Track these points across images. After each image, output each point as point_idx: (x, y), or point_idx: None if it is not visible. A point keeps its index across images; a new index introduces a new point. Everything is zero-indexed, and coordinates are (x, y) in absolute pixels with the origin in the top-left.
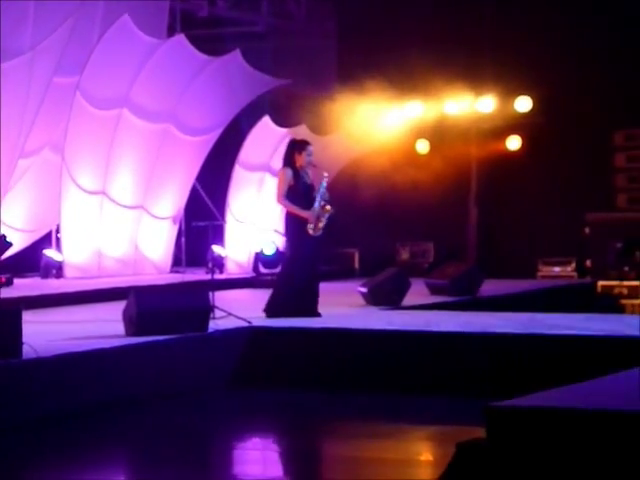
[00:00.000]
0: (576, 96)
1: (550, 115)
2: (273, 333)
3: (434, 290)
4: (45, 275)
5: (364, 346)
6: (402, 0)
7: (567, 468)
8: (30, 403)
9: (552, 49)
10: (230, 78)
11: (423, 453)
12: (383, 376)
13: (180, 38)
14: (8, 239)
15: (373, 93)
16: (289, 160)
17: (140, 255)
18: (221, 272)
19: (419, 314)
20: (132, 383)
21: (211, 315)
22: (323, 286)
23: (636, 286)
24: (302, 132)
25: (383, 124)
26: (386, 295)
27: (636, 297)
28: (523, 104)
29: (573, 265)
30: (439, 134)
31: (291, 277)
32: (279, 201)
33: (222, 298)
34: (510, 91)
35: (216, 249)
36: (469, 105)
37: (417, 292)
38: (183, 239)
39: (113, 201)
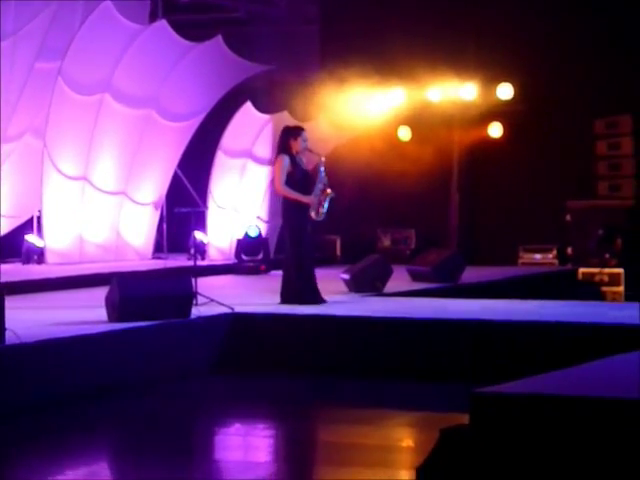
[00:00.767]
0: (557, 84)
1: (532, 102)
2: (255, 319)
3: (416, 277)
4: (26, 261)
5: (347, 333)
6: None
7: (550, 455)
8: (13, 389)
9: (534, 37)
10: (212, 64)
11: (406, 439)
12: (366, 362)
13: (162, 24)
14: None
15: (355, 80)
16: (285, 147)
17: (122, 241)
18: (203, 258)
19: (401, 301)
20: (115, 369)
21: (193, 301)
22: None
23: (617, 273)
24: (284, 118)
25: (365, 111)
26: (368, 282)
27: (617, 284)
28: (505, 91)
29: (554, 252)
30: (421, 121)
31: (299, 262)
32: (279, 189)
33: (204, 284)
34: (492, 78)
35: (198, 235)
36: (451, 92)
37: (399, 279)
38: (165, 225)
39: (95, 187)
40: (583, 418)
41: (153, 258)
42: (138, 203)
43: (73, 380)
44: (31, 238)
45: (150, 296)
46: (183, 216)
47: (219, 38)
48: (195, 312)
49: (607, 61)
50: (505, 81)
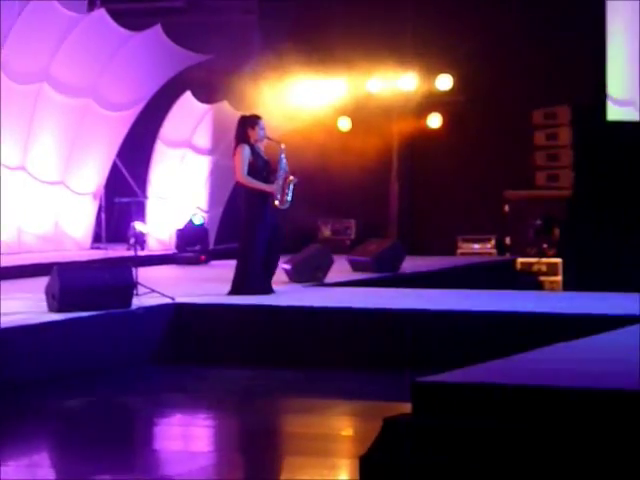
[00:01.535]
0: (496, 75)
1: (471, 93)
2: (196, 309)
3: (356, 267)
4: None
5: (288, 322)
6: None
7: (491, 443)
8: None
9: (473, 28)
10: (151, 53)
11: (349, 428)
12: (307, 352)
13: (101, 13)
14: None
15: (295, 70)
16: (243, 137)
17: (60, 231)
18: (142, 249)
19: (342, 291)
20: (55, 360)
21: (134, 291)
22: None
23: (555, 263)
24: (224, 108)
25: (305, 101)
26: (309, 272)
27: (555, 274)
28: (444, 82)
29: (492, 242)
30: (361, 111)
31: (253, 252)
32: (240, 179)
33: (144, 275)
34: (431, 69)
35: (137, 225)
36: (391, 83)
37: (340, 269)
38: (103, 215)
39: (33, 177)
40: (523, 406)
41: (92, 248)
42: (77, 193)
43: (12, 371)
44: None
45: (91, 286)
46: (122, 206)
47: (158, 27)
48: (136, 302)
49: (545, 52)
50: (444, 72)
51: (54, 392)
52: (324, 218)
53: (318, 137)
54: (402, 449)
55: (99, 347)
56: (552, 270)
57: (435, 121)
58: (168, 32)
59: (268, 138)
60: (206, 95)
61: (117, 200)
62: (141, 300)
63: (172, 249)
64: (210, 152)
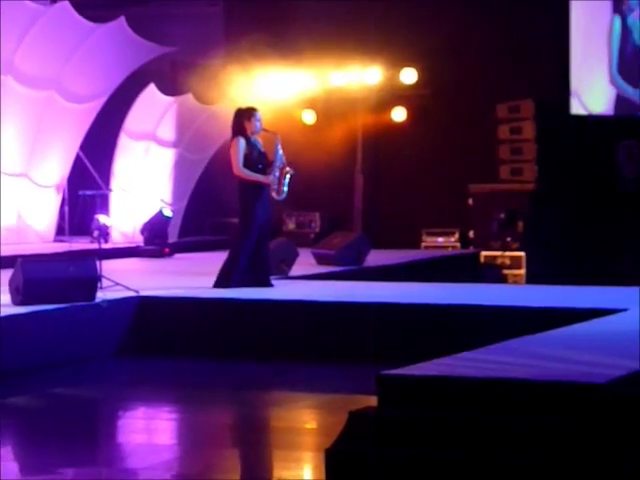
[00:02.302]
0: (461, 68)
1: (435, 87)
2: (161, 302)
3: (321, 260)
4: None
5: (253, 315)
6: None
7: (456, 435)
8: None
9: (436, 21)
10: (115, 45)
11: (315, 421)
12: (273, 345)
13: (64, 4)
14: None
15: (260, 62)
16: (239, 129)
17: (23, 224)
18: (106, 241)
19: (307, 284)
20: (19, 353)
21: (98, 285)
22: (209, 256)
23: (518, 256)
24: (188, 101)
25: (270, 94)
26: (274, 265)
27: (518, 267)
28: (408, 76)
29: (456, 236)
30: (326, 105)
31: (247, 245)
32: (237, 172)
33: (108, 268)
34: (396, 63)
35: (101, 218)
36: (355, 76)
37: (304, 262)
38: (66, 208)
39: None
40: (487, 398)
41: (55, 241)
42: (40, 185)
43: None
44: None
45: (55, 279)
46: (86, 199)
47: (122, 19)
48: (100, 295)
49: (510, 46)
50: (409, 66)
51: (18, 386)
52: (288, 211)
53: (283, 130)
54: (368, 442)
55: (63, 340)
56: (515, 263)
57: (399, 115)
58: (132, 24)
59: (264, 130)
60: (170, 87)
61: (81, 193)
62: (105, 293)
63: (135, 242)
64: (174, 145)
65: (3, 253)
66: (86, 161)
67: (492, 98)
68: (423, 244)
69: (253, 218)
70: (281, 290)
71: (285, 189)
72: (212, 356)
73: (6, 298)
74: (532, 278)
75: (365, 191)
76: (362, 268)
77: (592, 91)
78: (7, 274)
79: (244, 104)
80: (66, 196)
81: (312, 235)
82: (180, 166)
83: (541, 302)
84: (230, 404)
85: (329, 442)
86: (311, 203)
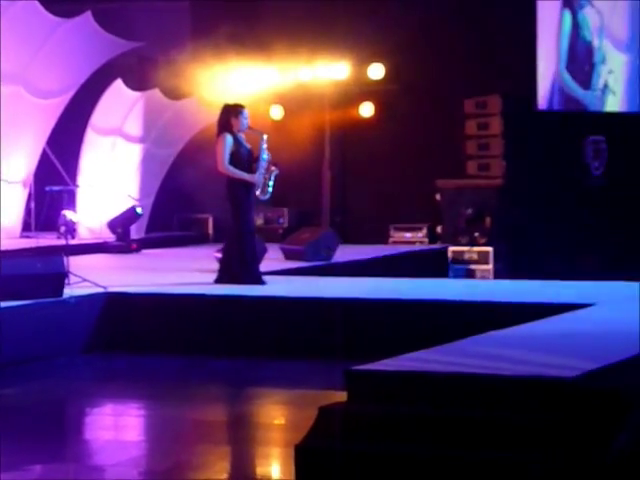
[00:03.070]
0: (428, 64)
1: (403, 82)
2: (129, 298)
3: (289, 256)
4: None
5: (221, 311)
6: None
7: (424, 430)
8: None
9: (404, 16)
10: (81, 40)
11: (284, 417)
12: (241, 341)
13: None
14: None
15: (227, 57)
16: (226, 126)
17: None
18: (73, 237)
19: (275, 279)
20: None
21: (66, 281)
22: (177, 252)
23: (486, 252)
24: (155, 96)
25: (237, 89)
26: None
27: (486, 262)
28: (376, 71)
29: (424, 231)
30: (293, 100)
31: (242, 243)
32: (222, 169)
33: (75, 263)
34: (363, 58)
35: (68, 214)
36: (323, 72)
37: (272, 258)
38: (33, 204)
39: None
40: (455, 394)
41: (21, 237)
42: (6, 181)
43: None
44: None
45: (22, 275)
46: (53, 194)
47: (88, 14)
48: (67, 292)
49: (477, 42)
50: (376, 61)
51: None
52: (256, 206)
53: (250, 125)
54: (337, 437)
55: (31, 337)
56: (483, 259)
57: (367, 110)
58: (98, 19)
59: (250, 128)
60: (137, 83)
61: (48, 189)
62: (73, 289)
63: (103, 238)
64: (141, 140)
65: None
66: (53, 157)
67: (459, 93)
68: (391, 239)
69: (247, 211)
70: (250, 286)
71: (270, 189)
72: (181, 352)
73: None
74: (500, 273)
75: (333, 186)
76: (331, 264)
77: (543, 87)
78: None
79: (211, 99)
80: (32, 192)
81: (280, 231)
82: (147, 161)
83: (508, 297)
84: (199, 401)
85: (299, 438)
86: (279, 198)
